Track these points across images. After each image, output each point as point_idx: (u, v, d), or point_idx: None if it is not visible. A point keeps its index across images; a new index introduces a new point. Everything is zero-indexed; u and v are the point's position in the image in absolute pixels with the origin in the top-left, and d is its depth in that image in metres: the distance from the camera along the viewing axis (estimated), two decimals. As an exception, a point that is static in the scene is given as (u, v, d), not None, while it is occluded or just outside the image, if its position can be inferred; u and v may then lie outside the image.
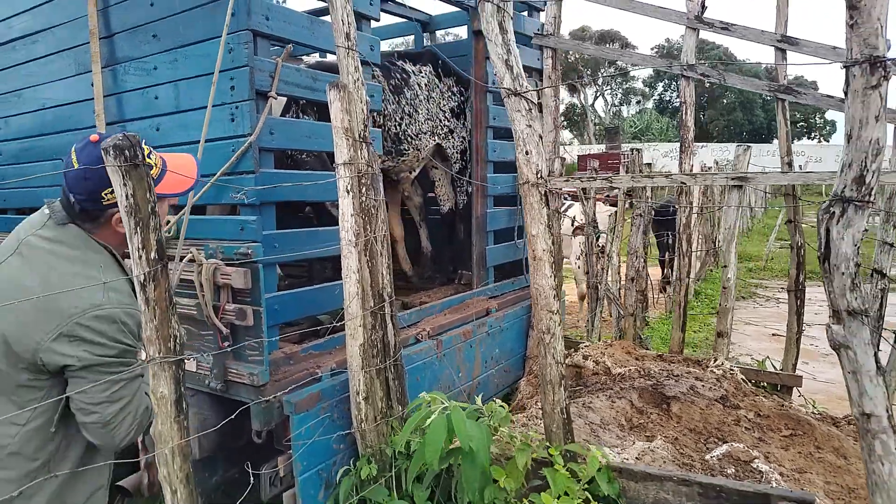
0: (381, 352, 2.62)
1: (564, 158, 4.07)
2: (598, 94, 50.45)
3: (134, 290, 1.61)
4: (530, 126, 2.08)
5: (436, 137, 4.21)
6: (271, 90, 2.52)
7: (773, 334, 7.64)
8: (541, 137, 2.11)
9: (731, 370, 3.40)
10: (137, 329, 1.62)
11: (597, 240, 5.58)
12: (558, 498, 1.96)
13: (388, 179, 4.32)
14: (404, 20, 4.91)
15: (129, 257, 1.65)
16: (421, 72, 4.14)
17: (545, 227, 2.12)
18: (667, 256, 8.98)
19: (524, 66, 4.33)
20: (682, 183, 3.49)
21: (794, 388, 3.48)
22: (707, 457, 2.62)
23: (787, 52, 3.42)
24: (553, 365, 2.19)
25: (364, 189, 2.47)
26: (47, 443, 1.58)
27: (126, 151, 1.55)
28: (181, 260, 2.48)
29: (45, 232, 1.60)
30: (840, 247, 1.54)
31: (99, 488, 1.76)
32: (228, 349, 2.52)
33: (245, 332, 2.53)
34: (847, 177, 1.51)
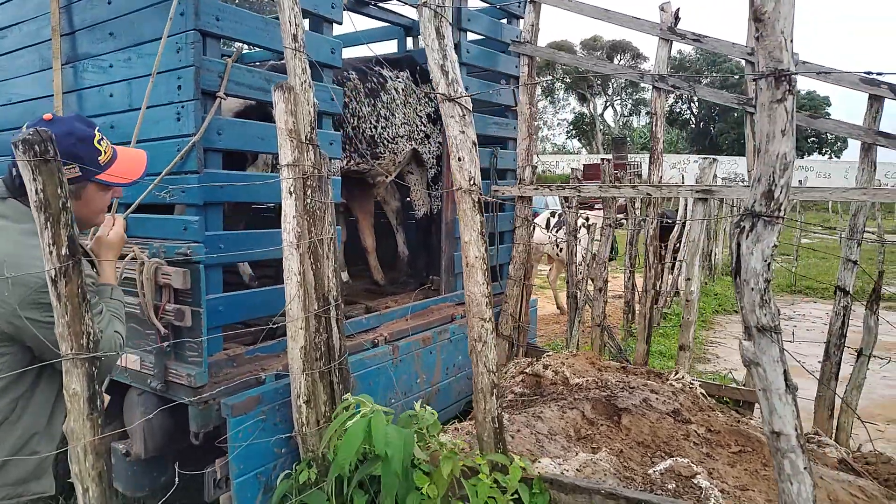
0: (326, 355, 2.61)
1: (536, 167, 4.05)
2: (608, 104, 50.34)
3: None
4: (464, 132, 2.07)
5: (412, 142, 4.21)
6: (220, 90, 2.52)
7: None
8: (474, 144, 2.10)
9: (691, 384, 3.36)
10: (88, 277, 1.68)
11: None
12: (479, 508, 1.93)
13: (362, 187, 4.34)
14: (387, 24, 4.92)
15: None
16: (398, 77, 4.15)
17: (478, 233, 2.10)
18: (661, 268, 8.92)
19: (502, 73, 4.36)
20: (647, 194, 3.46)
21: (756, 403, 3.43)
22: (650, 471, 2.58)
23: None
24: (485, 374, 2.17)
25: (309, 191, 2.46)
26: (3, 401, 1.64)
27: (36, 146, 1.54)
28: (123, 258, 2.47)
29: None
30: (749, 262, 1.52)
31: (34, 434, 1.76)
32: (167, 349, 2.51)
33: (186, 333, 2.52)
34: (756, 191, 1.49)
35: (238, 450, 2.48)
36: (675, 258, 8.94)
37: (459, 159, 2.08)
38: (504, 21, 4.39)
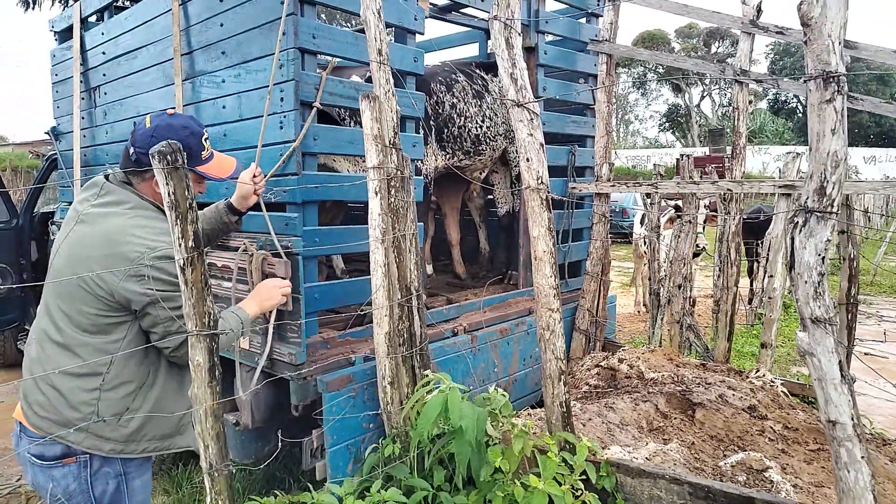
0: (408, 341, 2.85)
1: (613, 163, 4.11)
2: (705, 93, 48.06)
3: None
4: (531, 135, 2.22)
5: (506, 141, 4.42)
6: (316, 100, 2.81)
7: (866, 353, 7.16)
8: (541, 145, 2.24)
9: (772, 382, 3.33)
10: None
11: (695, 240, 5.53)
12: (546, 481, 2.09)
13: (453, 184, 4.58)
14: (469, 28, 5.11)
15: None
16: (495, 80, 4.36)
17: (545, 229, 2.25)
18: (755, 266, 8.59)
19: (581, 72, 4.44)
20: (728, 190, 3.46)
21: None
22: (721, 463, 2.63)
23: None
24: (552, 360, 2.32)
25: (393, 191, 2.70)
26: (139, 368, 1.91)
27: (168, 157, 1.86)
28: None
29: (99, 201, 1.91)
30: (803, 256, 1.59)
31: (169, 395, 2.06)
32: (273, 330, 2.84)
33: (287, 317, 2.83)
34: (809, 188, 1.55)
35: (332, 422, 2.76)
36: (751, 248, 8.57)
37: (528, 160, 2.24)
38: (583, 20, 4.46)
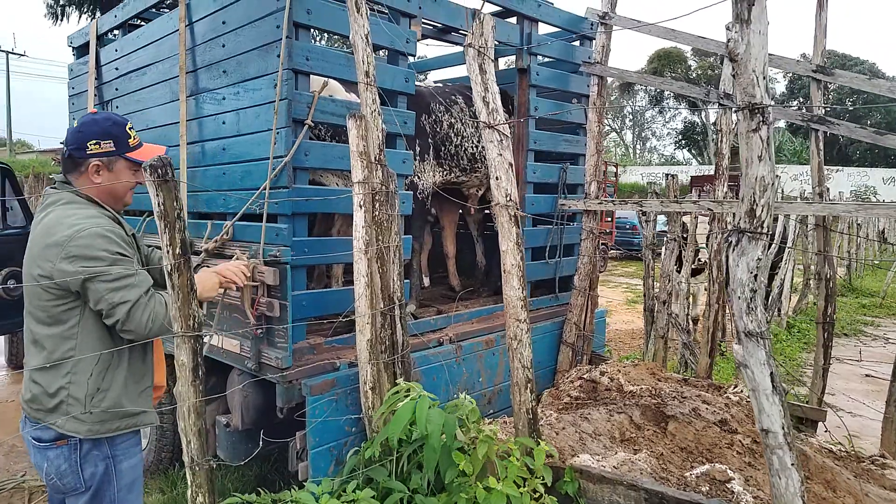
0: (390, 348, 2.97)
1: (602, 181, 4.22)
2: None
3: (118, 231, 2.06)
4: (501, 155, 2.36)
5: None
6: (308, 118, 2.97)
7: (867, 375, 7.14)
8: (510, 165, 2.38)
9: (748, 398, 3.39)
10: (124, 243, 2.03)
11: (696, 255, 5.61)
12: (506, 483, 2.20)
13: (448, 201, 4.73)
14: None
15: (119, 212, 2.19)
16: None
17: (514, 244, 2.37)
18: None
19: (574, 93, 4.58)
20: (708, 209, 3.56)
21: (819, 421, 3.40)
22: (687, 474, 2.71)
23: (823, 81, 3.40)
24: (520, 369, 2.43)
25: (377, 205, 2.84)
26: (100, 349, 2.03)
27: (159, 170, 2.02)
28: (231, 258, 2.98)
29: (43, 204, 2.08)
30: (736, 273, 1.70)
31: (146, 387, 2.21)
32: (261, 335, 2.99)
33: (275, 322, 2.98)
34: (741, 210, 1.67)
35: (314, 425, 2.89)
36: (772, 275, 8.59)
37: (497, 178, 2.37)
38: (577, 43, 4.60)
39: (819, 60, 3.41)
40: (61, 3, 22.31)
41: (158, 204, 2.05)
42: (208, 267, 2.93)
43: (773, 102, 1.56)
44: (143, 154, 2.18)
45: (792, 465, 1.72)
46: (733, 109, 1.60)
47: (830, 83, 3.47)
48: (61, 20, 22.37)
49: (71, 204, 2.04)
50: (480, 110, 2.37)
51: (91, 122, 2.08)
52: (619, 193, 23.54)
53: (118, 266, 1.99)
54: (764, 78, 1.55)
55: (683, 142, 48.36)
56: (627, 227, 18.75)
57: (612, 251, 17.85)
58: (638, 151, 54.84)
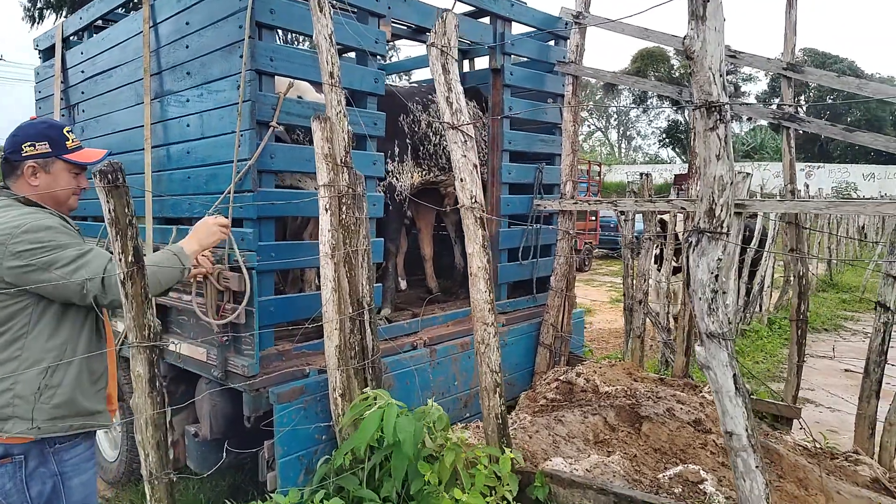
0: (360, 353, 2.92)
1: (588, 180, 4.19)
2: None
3: (62, 222, 2.01)
4: (465, 156, 2.32)
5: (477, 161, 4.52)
6: (273, 120, 2.91)
7: (847, 370, 7.19)
8: (475, 166, 2.34)
9: (724, 397, 3.38)
10: (65, 230, 1.98)
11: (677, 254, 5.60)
12: (471, 494, 2.15)
13: (428, 200, 4.69)
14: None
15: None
16: (469, 104, 4.47)
17: (480, 246, 2.33)
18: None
19: (549, 92, 4.55)
20: (681, 208, 3.54)
21: (794, 419, 3.39)
22: (660, 475, 2.69)
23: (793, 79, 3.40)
24: (488, 373, 2.39)
25: (344, 208, 2.79)
26: (49, 344, 1.96)
27: (109, 175, 1.96)
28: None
29: None
30: (697, 274, 1.67)
31: (102, 388, 2.14)
32: (226, 342, 2.92)
33: (242, 330, 2.91)
34: (700, 210, 1.64)
35: (282, 433, 2.83)
36: (753, 272, 8.63)
37: (462, 180, 2.33)
38: (552, 43, 4.58)
39: (790, 58, 3.41)
40: (38, 5, 22.04)
41: (109, 210, 1.99)
42: None
43: (747, 101, 1.53)
44: (81, 156, 2.12)
45: (756, 467, 1.70)
46: (691, 108, 1.57)
47: (810, 82, 3.47)
48: (39, 23, 22.08)
49: (10, 207, 1.98)
50: (444, 111, 2.33)
51: (27, 126, 2.05)
52: (605, 192, 23.61)
53: (68, 250, 1.93)
54: (721, 76, 1.52)
55: (667, 140, 48.68)
56: (612, 225, 18.80)
57: (596, 250, 17.87)
58: (623, 150, 55.12)
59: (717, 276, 1.66)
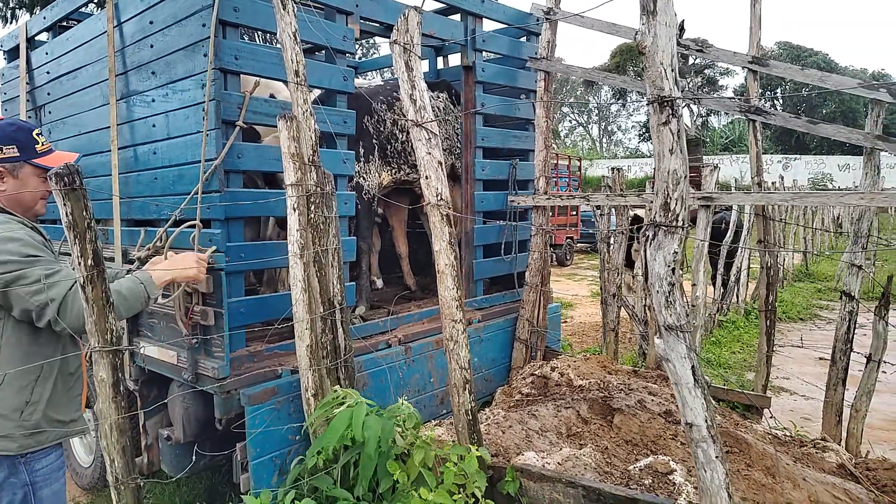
0: (332, 353, 2.91)
1: (551, 176, 4.21)
2: (684, 104, 48.58)
3: (31, 234, 1.98)
4: (430, 153, 2.32)
5: (452, 157, 4.51)
6: (239, 119, 2.89)
7: (820, 358, 7.31)
8: (440, 163, 2.34)
9: (695, 388, 3.42)
10: (33, 243, 1.94)
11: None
12: (438, 492, 2.16)
13: (399, 198, 4.67)
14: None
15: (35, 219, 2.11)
16: (439, 97, 4.46)
17: (447, 243, 2.33)
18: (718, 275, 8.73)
19: (522, 88, 4.56)
20: (650, 201, 3.57)
21: (764, 408, 3.45)
22: (630, 467, 2.71)
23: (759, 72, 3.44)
24: (457, 370, 2.40)
25: (313, 207, 2.77)
26: (28, 361, 1.95)
27: (65, 178, 1.93)
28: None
29: None
30: (654, 267, 1.68)
31: (77, 395, 2.15)
32: (196, 345, 2.90)
33: (212, 332, 2.89)
34: (656, 204, 1.65)
35: (254, 435, 2.82)
36: (729, 263, 8.73)
37: (427, 178, 2.33)
38: (524, 39, 4.59)
39: (755, 52, 3.45)
40: (11, 5, 21.62)
41: (66, 214, 1.96)
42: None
43: (725, 94, 1.55)
44: (51, 160, 2.08)
45: (717, 457, 1.72)
46: (644, 103, 1.58)
47: (775, 75, 3.51)
48: (12, 23, 21.66)
49: None
50: (408, 108, 2.32)
51: None
52: (586, 187, 23.73)
53: (36, 267, 1.90)
54: (672, 70, 1.53)
55: (647, 134, 49.03)
56: (592, 220, 18.93)
57: (577, 244, 17.97)
58: (604, 145, 55.43)
59: (673, 270, 1.67)
